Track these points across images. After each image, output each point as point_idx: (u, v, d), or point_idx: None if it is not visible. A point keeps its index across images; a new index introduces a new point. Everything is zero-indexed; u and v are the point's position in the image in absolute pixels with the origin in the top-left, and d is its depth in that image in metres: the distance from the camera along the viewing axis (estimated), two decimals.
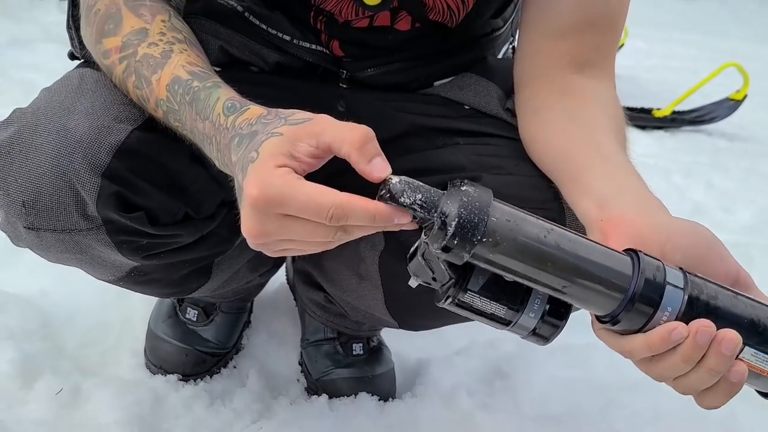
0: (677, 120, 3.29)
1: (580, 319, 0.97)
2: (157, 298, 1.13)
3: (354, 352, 1.11)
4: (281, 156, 0.53)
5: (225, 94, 0.62)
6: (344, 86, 0.88)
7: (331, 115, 0.88)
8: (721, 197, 2.38)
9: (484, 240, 0.49)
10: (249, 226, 0.54)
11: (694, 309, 0.52)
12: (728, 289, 0.55)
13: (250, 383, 1.08)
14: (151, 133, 0.70)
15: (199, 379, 1.08)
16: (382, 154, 0.54)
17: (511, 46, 1.01)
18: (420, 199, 0.50)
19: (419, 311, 0.96)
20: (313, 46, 0.85)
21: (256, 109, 0.60)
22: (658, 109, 3.29)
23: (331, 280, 1.03)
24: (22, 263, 1.25)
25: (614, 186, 0.65)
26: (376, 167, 0.53)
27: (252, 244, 0.56)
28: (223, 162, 0.61)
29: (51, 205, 0.69)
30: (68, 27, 0.83)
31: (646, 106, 3.32)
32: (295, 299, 1.24)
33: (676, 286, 0.52)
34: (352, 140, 0.54)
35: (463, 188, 0.50)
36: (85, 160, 0.68)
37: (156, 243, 0.75)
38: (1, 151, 0.68)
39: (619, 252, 0.54)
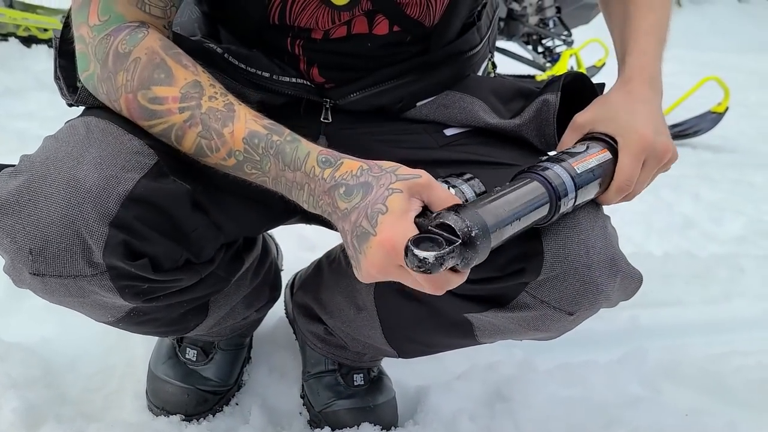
0: None
1: (575, 338, 0.99)
2: (156, 340, 1.15)
3: (355, 383, 1.12)
4: (410, 211, 0.65)
5: (313, 147, 0.71)
6: (326, 121, 0.90)
7: None
8: (710, 209, 2.41)
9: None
10: (375, 263, 0.66)
11: (578, 185, 0.75)
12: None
13: (253, 419, 1.09)
14: (157, 182, 0.72)
15: (202, 419, 1.09)
16: None
17: (489, 63, 1.04)
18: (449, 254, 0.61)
19: (417, 338, 0.98)
20: (293, 80, 0.88)
21: (351, 162, 0.70)
22: None
23: (329, 312, 1.05)
24: (23, 311, 1.26)
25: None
26: None
27: (370, 276, 0.68)
28: (317, 205, 0.71)
29: (58, 252, 0.70)
30: (56, 78, 0.85)
31: None
32: (294, 333, 1.25)
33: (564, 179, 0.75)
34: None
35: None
36: (94, 210, 0.69)
37: (157, 287, 0.77)
38: (11, 200, 0.70)
39: (528, 182, 0.73)
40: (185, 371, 1.10)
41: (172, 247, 0.75)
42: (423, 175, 0.67)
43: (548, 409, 1.15)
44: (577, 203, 0.77)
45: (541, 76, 3.31)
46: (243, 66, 0.87)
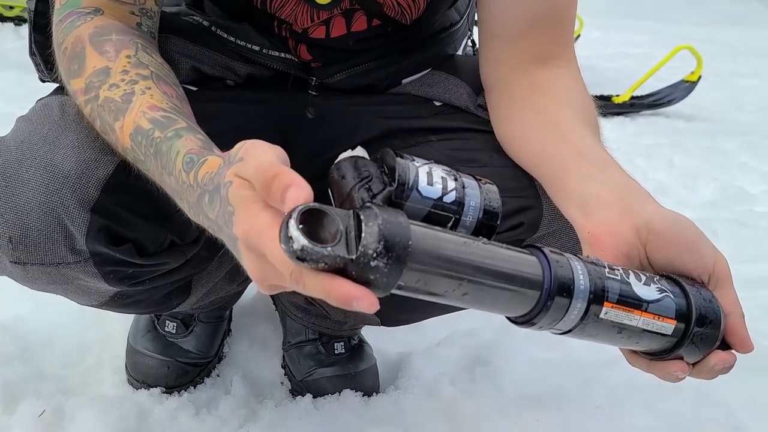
0: (636, 105, 3.37)
1: None
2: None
3: (336, 351, 1.12)
4: (249, 200, 0.48)
5: (185, 145, 0.57)
6: (314, 93, 0.89)
7: (301, 123, 0.90)
8: (683, 176, 2.44)
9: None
10: (252, 269, 0.49)
11: (597, 297, 0.53)
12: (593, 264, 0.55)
13: (235, 390, 1.09)
14: None
15: (183, 391, 1.09)
16: (294, 182, 0.45)
17: (470, 40, 1.04)
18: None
19: (401, 305, 0.98)
20: (282, 54, 0.87)
21: (214, 160, 0.55)
22: (617, 95, 3.37)
23: None
24: None
25: (593, 185, 0.67)
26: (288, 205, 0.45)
27: (265, 288, 0.51)
28: (198, 219, 0.57)
29: (39, 240, 0.68)
30: (31, 53, 0.82)
31: (606, 93, 3.40)
32: (274, 303, 1.25)
33: (581, 276, 0.52)
34: (257, 179, 0.47)
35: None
36: (74, 196, 0.68)
37: (142, 271, 0.76)
38: None
39: (526, 252, 0.52)
40: (165, 344, 1.10)
41: (155, 231, 0.73)
42: (246, 154, 0.50)
43: (527, 371, 1.17)
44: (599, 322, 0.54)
45: None
46: (232, 39, 0.85)
